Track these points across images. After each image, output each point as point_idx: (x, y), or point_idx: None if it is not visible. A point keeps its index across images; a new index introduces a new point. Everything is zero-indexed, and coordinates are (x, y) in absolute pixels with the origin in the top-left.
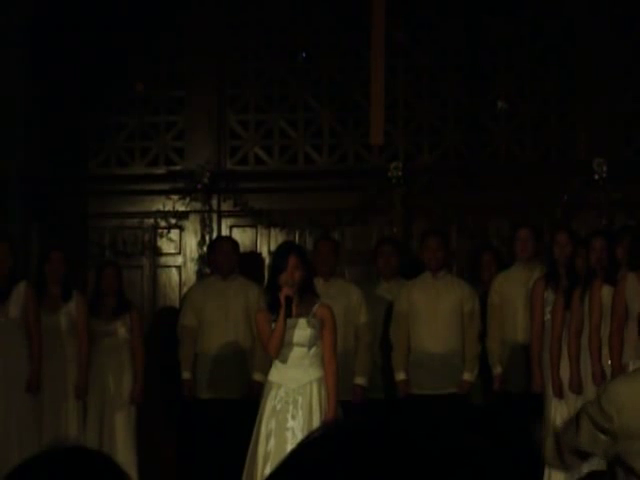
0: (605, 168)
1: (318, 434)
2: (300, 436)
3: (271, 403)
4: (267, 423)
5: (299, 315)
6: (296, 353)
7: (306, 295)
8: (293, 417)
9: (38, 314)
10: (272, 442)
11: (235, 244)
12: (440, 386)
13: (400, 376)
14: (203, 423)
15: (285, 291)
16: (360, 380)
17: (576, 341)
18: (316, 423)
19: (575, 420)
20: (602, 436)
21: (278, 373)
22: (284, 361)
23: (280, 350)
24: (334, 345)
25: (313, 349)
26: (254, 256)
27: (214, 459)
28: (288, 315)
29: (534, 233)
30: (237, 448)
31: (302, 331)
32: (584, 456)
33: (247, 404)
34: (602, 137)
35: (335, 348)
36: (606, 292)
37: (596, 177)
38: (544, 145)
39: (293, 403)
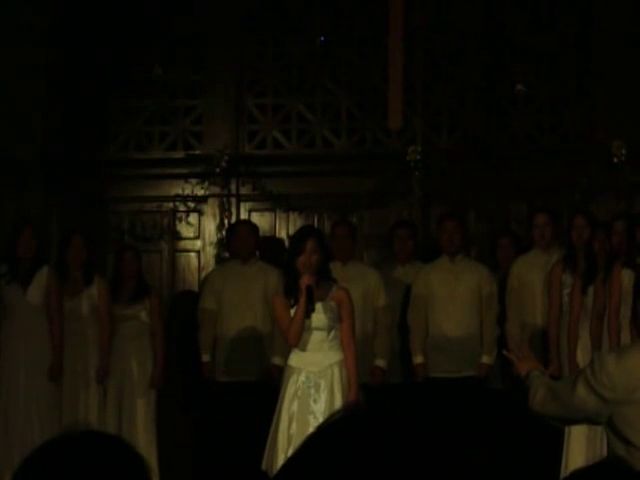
0: (624, 151)
1: (338, 418)
2: (322, 420)
3: (292, 388)
4: (289, 408)
5: (317, 299)
6: (316, 337)
7: (323, 279)
8: (315, 401)
9: (60, 300)
10: (294, 426)
11: (253, 227)
12: (458, 369)
13: (418, 359)
14: (221, 406)
15: (306, 280)
16: (380, 362)
17: (598, 325)
18: (338, 406)
19: (572, 382)
20: (596, 399)
21: (298, 358)
22: (304, 346)
23: (300, 338)
24: (352, 328)
25: (332, 332)
26: (273, 240)
27: (232, 442)
28: (310, 308)
29: (552, 217)
30: (255, 431)
31: (321, 315)
32: (568, 422)
33: (265, 387)
34: (621, 120)
35: (353, 331)
36: (626, 276)
37: (615, 160)
38: (562, 128)
39: (315, 387)
